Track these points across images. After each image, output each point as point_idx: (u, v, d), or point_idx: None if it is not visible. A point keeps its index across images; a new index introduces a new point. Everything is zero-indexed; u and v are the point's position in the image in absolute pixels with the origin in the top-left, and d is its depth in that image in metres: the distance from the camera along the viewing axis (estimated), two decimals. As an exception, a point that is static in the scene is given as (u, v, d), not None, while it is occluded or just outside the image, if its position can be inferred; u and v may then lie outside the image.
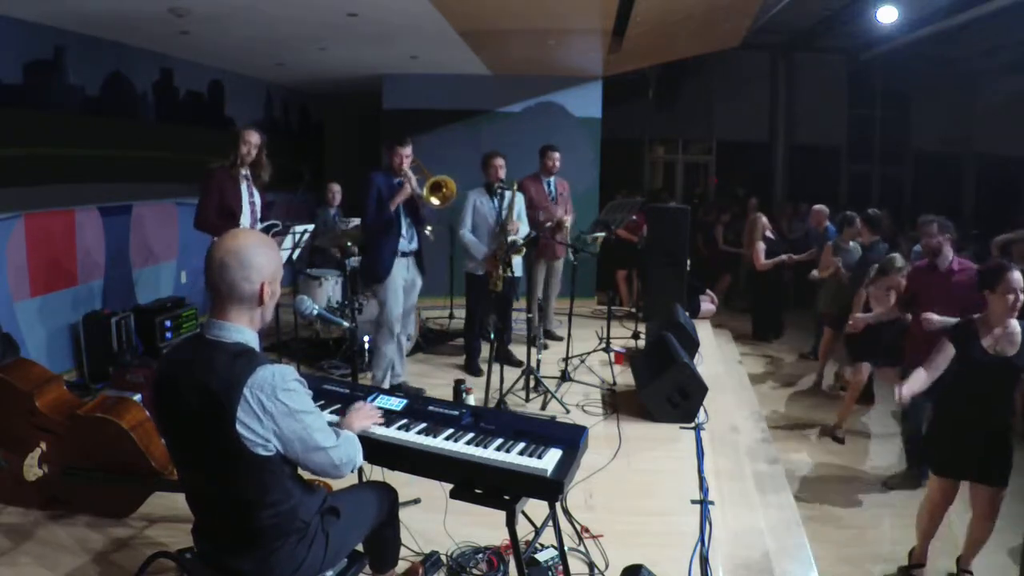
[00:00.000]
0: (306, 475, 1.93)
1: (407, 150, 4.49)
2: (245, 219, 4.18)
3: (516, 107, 7.95)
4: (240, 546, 1.81)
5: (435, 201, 4.52)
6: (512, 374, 4.99)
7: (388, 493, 2.29)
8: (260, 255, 1.73)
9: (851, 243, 5.89)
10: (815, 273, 6.27)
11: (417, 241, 4.71)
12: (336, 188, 6.86)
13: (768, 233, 7.35)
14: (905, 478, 4.33)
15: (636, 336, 6.51)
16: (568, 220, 5.80)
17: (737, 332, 7.94)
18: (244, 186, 4.20)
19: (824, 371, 6.28)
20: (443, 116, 7.91)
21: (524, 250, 5.17)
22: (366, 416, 2.23)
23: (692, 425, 2.96)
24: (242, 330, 1.75)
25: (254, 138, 4.18)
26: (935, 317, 3.71)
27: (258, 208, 4.29)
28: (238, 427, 1.64)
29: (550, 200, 5.92)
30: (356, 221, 5.69)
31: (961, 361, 3.09)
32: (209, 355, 1.70)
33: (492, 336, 4.59)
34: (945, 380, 3.16)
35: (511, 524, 2.12)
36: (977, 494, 3.14)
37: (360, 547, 2.23)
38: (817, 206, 7.24)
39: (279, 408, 1.68)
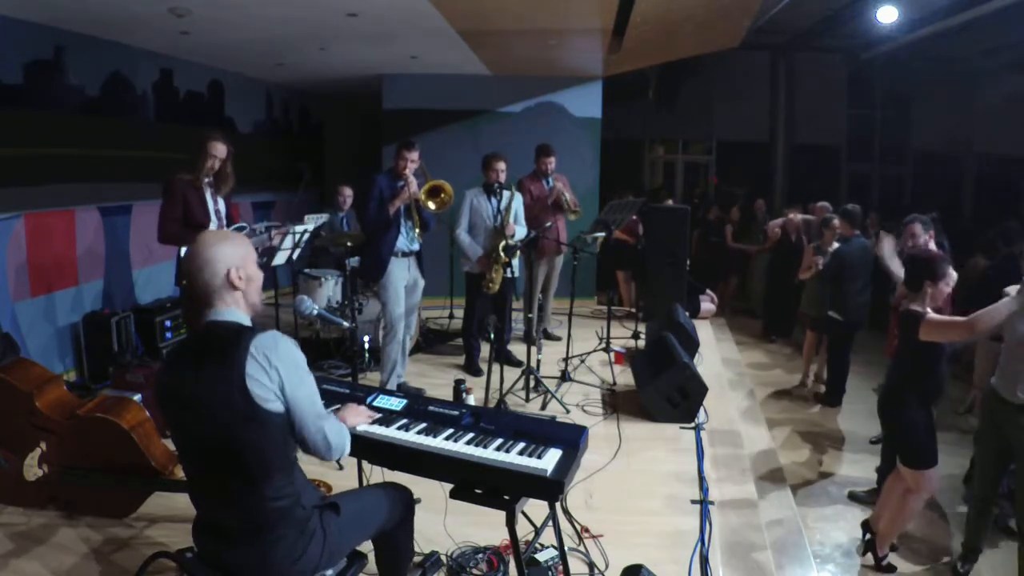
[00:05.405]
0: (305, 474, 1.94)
1: (413, 154, 4.52)
2: (213, 228, 3.89)
3: (516, 107, 7.94)
4: (242, 538, 1.84)
5: (432, 205, 4.53)
6: (512, 374, 5.00)
7: (401, 495, 2.27)
8: (214, 249, 1.87)
9: (835, 244, 5.68)
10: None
11: (418, 242, 4.73)
12: (348, 192, 6.67)
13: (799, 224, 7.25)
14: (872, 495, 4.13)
15: (636, 336, 6.51)
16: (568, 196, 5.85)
17: (741, 333, 7.93)
18: (208, 195, 3.95)
19: (808, 372, 6.24)
20: (443, 116, 7.91)
21: (518, 252, 5.18)
22: (358, 413, 2.31)
23: (692, 425, 2.95)
24: (234, 312, 1.89)
25: (221, 151, 3.89)
26: None
27: (223, 215, 4.03)
28: (248, 382, 1.75)
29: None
30: None
31: None
32: (214, 331, 1.85)
33: (492, 336, 4.60)
34: None
35: (511, 524, 2.12)
36: None
37: (370, 549, 2.22)
38: (820, 204, 7.22)
39: (283, 360, 1.81)
